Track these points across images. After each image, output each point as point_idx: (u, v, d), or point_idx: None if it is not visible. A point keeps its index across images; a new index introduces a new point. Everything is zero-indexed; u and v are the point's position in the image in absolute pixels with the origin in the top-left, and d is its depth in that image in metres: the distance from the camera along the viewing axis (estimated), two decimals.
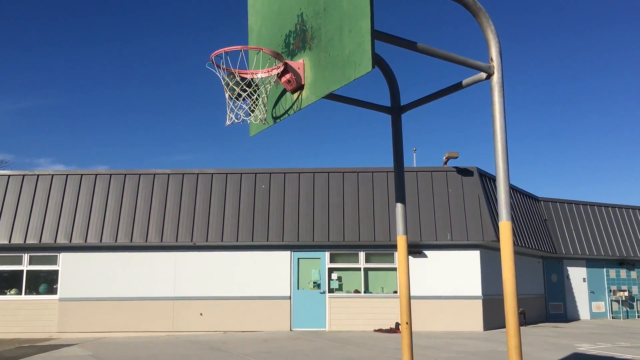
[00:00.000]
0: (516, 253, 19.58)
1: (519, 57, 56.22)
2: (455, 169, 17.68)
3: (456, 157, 19.87)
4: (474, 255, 17.17)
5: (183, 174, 17.66)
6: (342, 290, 17.36)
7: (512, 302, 4.23)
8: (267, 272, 17.18)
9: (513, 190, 20.37)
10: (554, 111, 59.23)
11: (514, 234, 4.07)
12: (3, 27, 55.83)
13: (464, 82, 5.33)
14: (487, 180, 18.19)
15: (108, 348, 13.47)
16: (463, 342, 13.97)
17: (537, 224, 21.11)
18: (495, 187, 18.48)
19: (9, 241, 16.73)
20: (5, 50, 55.79)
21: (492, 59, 5.09)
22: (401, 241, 5.74)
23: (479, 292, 16.99)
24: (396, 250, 17.28)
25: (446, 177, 17.54)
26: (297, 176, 17.61)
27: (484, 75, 5.15)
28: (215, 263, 17.19)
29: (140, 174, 17.62)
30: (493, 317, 17.28)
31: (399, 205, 5.88)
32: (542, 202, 22.70)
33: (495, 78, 5.01)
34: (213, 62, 5.28)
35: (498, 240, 16.45)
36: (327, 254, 17.40)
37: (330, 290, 17.26)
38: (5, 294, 17.17)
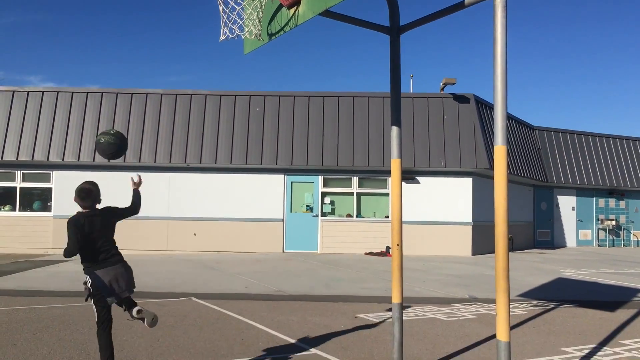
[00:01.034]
0: (508, 181, 19.74)
1: None
2: (452, 96, 17.49)
3: (454, 84, 19.64)
4: (467, 182, 17.30)
5: (176, 94, 17.40)
6: (334, 214, 17.56)
7: (502, 226, 4.25)
8: (261, 195, 17.30)
9: (509, 118, 20.28)
10: (552, 35, 58.15)
11: (507, 161, 4.06)
12: None
13: (467, 0, 5.14)
14: (484, 107, 18.05)
15: None
16: (451, 265, 14.31)
17: (530, 152, 21.16)
18: (492, 115, 18.37)
19: (1, 157, 16.65)
20: None
21: None
22: (395, 164, 5.72)
23: (469, 218, 17.24)
24: (389, 176, 17.36)
25: (442, 104, 17.38)
26: (291, 100, 17.40)
27: None
28: (209, 185, 17.26)
29: (132, 93, 17.34)
30: (482, 243, 17.63)
31: (395, 128, 5.82)
32: (536, 130, 22.66)
33: None
34: None
35: (491, 167, 16.53)
36: (320, 178, 17.48)
37: (323, 214, 17.46)
38: None
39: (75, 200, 4.50)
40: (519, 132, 20.69)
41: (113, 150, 4.80)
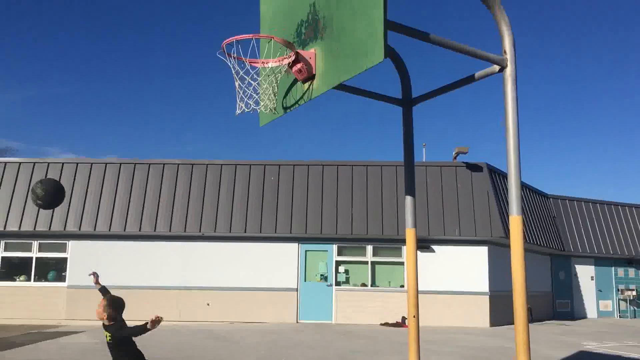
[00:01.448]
0: (524, 250, 19.49)
1: (530, 50, 55.79)
2: (464, 164, 17.59)
3: (466, 153, 19.76)
4: (482, 251, 17.11)
5: (192, 164, 17.69)
6: (349, 283, 17.35)
7: (521, 297, 4.20)
8: (275, 263, 17.20)
9: (523, 186, 20.26)
10: (564, 108, 58.80)
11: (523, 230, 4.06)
12: (13, 16, 56.05)
13: (477, 74, 5.28)
14: (497, 176, 18.10)
15: None
16: (468, 337, 13.94)
17: (546, 221, 20.99)
18: (505, 183, 18.38)
19: (19, 228, 16.84)
20: (17, 38, 56.04)
21: (505, 52, 5.03)
22: (410, 234, 5.71)
23: (486, 288, 16.93)
24: (404, 245, 17.25)
25: (455, 172, 17.46)
26: (306, 168, 17.59)
27: (496, 68, 5.09)
28: (223, 254, 17.23)
29: (149, 164, 17.66)
30: (499, 314, 17.22)
31: (409, 198, 5.85)
32: (551, 199, 22.56)
33: (509, 71, 4.95)
34: (224, 51, 5.25)
35: (506, 236, 16.37)
36: (334, 247, 17.40)
37: (337, 283, 17.26)
38: (14, 280, 17.31)
39: (108, 311, 4.61)
40: (533, 201, 20.62)
41: (46, 199, 4.87)
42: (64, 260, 17.34)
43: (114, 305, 4.70)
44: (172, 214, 16.98)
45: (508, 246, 18.58)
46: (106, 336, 4.75)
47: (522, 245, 4.27)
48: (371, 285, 17.24)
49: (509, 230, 4.30)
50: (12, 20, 55.92)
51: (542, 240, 19.70)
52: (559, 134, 59.96)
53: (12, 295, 17.10)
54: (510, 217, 4.32)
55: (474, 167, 17.49)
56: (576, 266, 22.92)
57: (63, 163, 17.73)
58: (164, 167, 17.62)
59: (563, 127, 59.31)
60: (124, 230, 16.76)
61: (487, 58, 5.00)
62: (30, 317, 16.84)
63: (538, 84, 56.84)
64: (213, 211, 17.00)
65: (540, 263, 21.51)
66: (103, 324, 4.74)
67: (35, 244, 17.43)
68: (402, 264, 17.30)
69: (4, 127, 56.61)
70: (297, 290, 17.11)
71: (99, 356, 10.00)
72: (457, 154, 19.95)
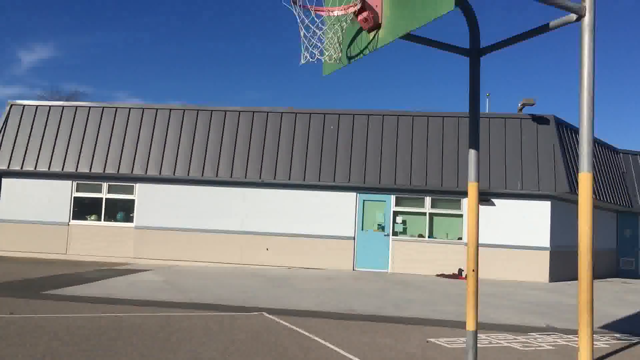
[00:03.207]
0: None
1: None
2: (530, 117, 17.01)
3: (533, 104, 19.10)
4: (545, 206, 16.71)
5: (253, 111, 17.85)
6: (406, 233, 17.39)
7: (586, 257, 4.11)
8: (333, 212, 17.39)
9: (593, 141, 19.46)
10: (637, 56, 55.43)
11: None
12: None
13: (552, 23, 5.03)
14: (564, 129, 17.43)
15: (179, 275, 14.19)
16: (527, 291, 13.82)
17: (614, 176, 20.20)
18: (573, 137, 17.71)
19: (90, 170, 17.60)
20: None
21: None
22: (472, 188, 5.63)
23: (547, 243, 16.62)
24: (463, 197, 17.06)
25: (520, 125, 16.93)
26: (365, 118, 17.46)
27: (573, 16, 4.83)
28: (282, 201, 17.53)
29: (212, 110, 17.95)
30: (560, 270, 16.93)
31: (472, 152, 5.74)
32: (621, 154, 21.62)
33: (587, 20, 4.69)
34: None
35: (572, 192, 15.90)
36: (392, 197, 17.38)
37: (395, 233, 17.33)
38: (85, 219, 18.23)
39: None
40: (603, 156, 19.82)
41: None
42: (132, 202, 18.09)
43: None
44: (233, 160, 17.32)
45: (572, 202, 18.09)
46: None
47: (591, 204, 4.14)
48: (428, 237, 17.23)
49: (574, 185, 4.17)
50: None
51: (610, 197, 19.02)
52: (632, 85, 56.82)
53: (84, 234, 18.07)
54: (579, 174, 4.19)
55: (540, 120, 16.90)
56: None
57: (130, 108, 18.25)
58: (225, 114, 17.87)
59: (636, 77, 56.08)
60: (188, 174, 17.26)
61: (564, 6, 4.74)
62: (101, 255, 17.81)
63: (613, 32, 53.60)
64: (273, 158, 17.22)
65: (606, 219, 20.86)
66: None
67: (105, 185, 18.22)
68: (460, 216, 17.15)
69: (75, 71, 58.53)
70: (354, 238, 17.30)
71: (165, 293, 10.53)
72: (523, 105, 19.30)
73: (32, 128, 18.23)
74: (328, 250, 17.27)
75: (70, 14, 60.95)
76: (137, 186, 18.00)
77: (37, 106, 18.63)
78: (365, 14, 5.12)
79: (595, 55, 4.55)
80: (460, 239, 16.92)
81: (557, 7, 4.79)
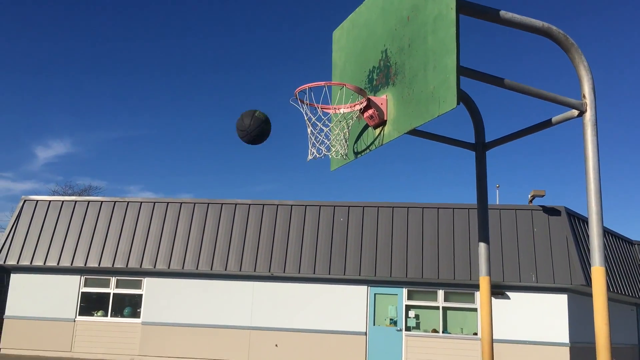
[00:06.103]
0: (608, 299, 18.44)
1: (609, 91, 53.79)
2: (541, 208, 16.96)
3: (542, 196, 19.10)
4: (561, 299, 16.28)
5: (263, 204, 17.98)
6: (419, 328, 16.90)
7: (605, 355, 3.94)
8: (343, 306, 17.03)
9: (605, 232, 19.28)
10: None
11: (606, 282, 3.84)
12: (96, 57, 59.74)
13: (554, 119, 5.13)
14: (576, 220, 17.31)
15: None
16: None
17: (631, 268, 19.80)
18: (585, 228, 17.56)
19: (99, 264, 17.55)
20: (102, 79, 59.56)
21: (584, 96, 4.87)
22: (484, 282, 5.53)
23: (566, 338, 16.03)
24: (477, 290, 16.70)
25: (531, 216, 16.85)
26: (375, 210, 17.49)
27: (575, 112, 4.93)
28: (291, 294, 17.25)
29: (222, 204, 18.10)
30: None
31: (482, 245, 5.69)
32: (636, 245, 21.32)
33: (588, 115, 4.78)
34: (297, 97, 5.37)
35: (588, 284, 15.55)
36: (404, 291, 17.05)
37: (407, 328, 16.84)
38: (92, 315, 17.95)
39: None
40: (617, 248, 19.54)
41: (257, 125, 4.96)
42: (139, 296, 17.86)
43: None
44: (242, 253, 17.24)
45: (590, 295, 17.60)
46: None
47: (606, 299, 4.03)
48: (442, 332, 16.72)
49: (590, 278, 4.08)
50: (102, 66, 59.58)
51: (627, 290, 18.56)
52: None
53: (89, 330, 17.72)
54: (592, 268, 4.10)
55: (551, 211, 16.84)
56: None
57: (141, 202, 18.45)
58: (235, 207, 17.99)
59: None
60: (197, 268, 17.14)
61: (565, 103, 4.86)
62: (106, 352, 17.36)
63: (616, 124, 54.52)
64: (282, 251, 17.13)
65: (625, 313, 20.23)
66: None
67: (113, 280, 18.08)
68: (475, 310, 16.71)
69: (89, 166, 59.82)
70: (366, 334, 16.82)
71: None
72: (534, 197, 19.31)
73: (43, 223, 18.39)
74: (339, 346, 16.75)
75: (87, 111, 63.23)
76: (145, 280, 17.84)
77: (50, 201, 18.89)
78: (370, 112, 5.25)
79: (599, 148, 4.60)
80: (475, 334, 16.40)
81: (559, 104, 4.90)
